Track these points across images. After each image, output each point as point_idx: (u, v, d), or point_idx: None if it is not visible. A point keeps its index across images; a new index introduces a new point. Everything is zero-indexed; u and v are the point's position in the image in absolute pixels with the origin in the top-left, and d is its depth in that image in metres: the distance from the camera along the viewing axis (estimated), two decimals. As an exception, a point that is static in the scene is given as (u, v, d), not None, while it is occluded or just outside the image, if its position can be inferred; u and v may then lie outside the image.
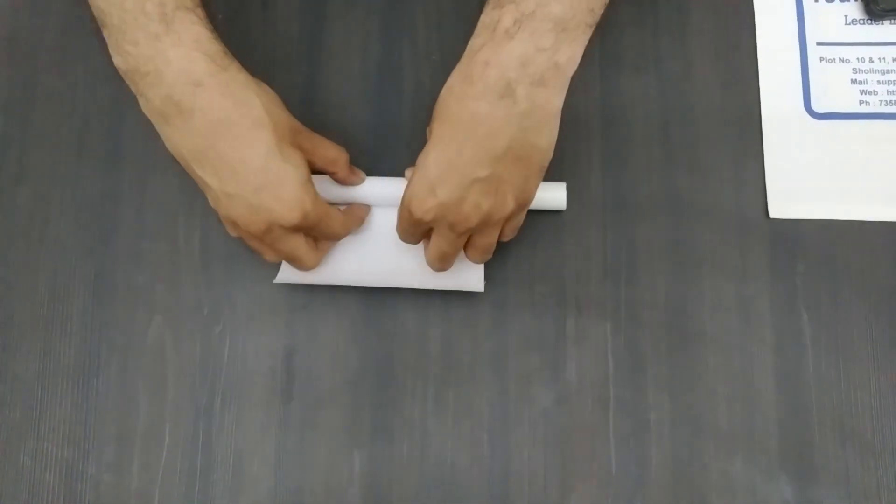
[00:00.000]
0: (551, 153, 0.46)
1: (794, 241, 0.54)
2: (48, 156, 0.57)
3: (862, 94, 0.56)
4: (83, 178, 0.57)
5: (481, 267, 0.53)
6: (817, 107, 0.56)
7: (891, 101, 0.56)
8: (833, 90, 0.57)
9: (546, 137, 0.45)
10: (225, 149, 0.44)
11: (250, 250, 0.53)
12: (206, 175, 0.45)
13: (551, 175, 0.49)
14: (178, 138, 0.44)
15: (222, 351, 0.54)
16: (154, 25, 0.42)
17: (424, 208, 0.45)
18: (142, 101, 0.45)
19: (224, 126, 0.43)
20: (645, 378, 0.53)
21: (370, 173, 0.54)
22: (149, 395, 0.54)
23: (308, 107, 0.51)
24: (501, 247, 0.53)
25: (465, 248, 0.49)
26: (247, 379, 0.54)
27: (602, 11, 0.43)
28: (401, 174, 0.53)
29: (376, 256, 0.53)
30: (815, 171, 0.55)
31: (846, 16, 0.58)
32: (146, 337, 0.55)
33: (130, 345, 0.55)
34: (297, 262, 0.50)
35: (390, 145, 0.56)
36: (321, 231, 0.49)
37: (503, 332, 0.54)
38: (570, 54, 0.42)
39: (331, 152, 0.51)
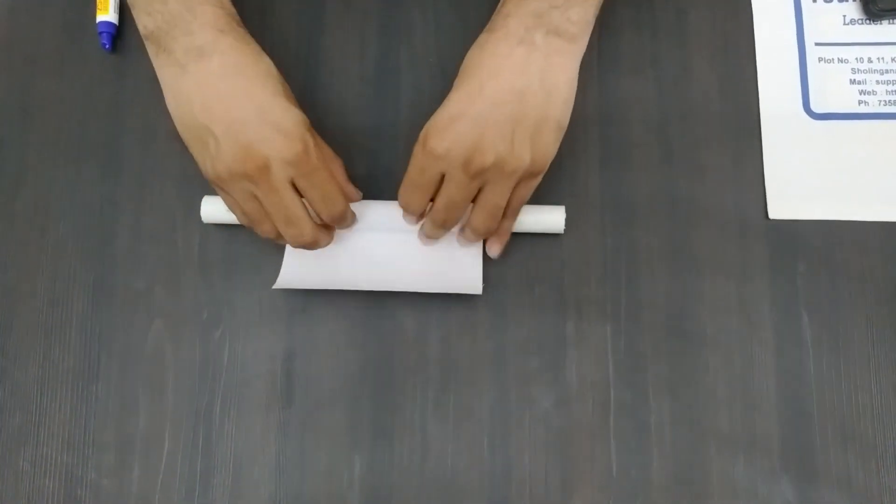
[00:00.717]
0: (566, 116, 0.48)
1: (794, 241, 0.54)
2: (47, 161, 0.57)
3: (861, 94, 0.56)
4: (82, 182, 0.57)
5: (479, 269, 0.53)
6: (816, 107, 0.56)
7: (890, 100, 0.56)
8: (832, 90, 0.56)
9: (562, 90, 0.47)
10: (237, 86, 0.47)
11: (249, 254, 0.53)
12: (213, 119, 0.46)
13: (550, 174, 0.49)
14: (193, 85, 0.47)
15: (222, 355, 0.54)
16: None
17: (440, 139, 0.45)
18: (161, 59, 0.48)
19: (238, 69, 0.47)
20: (645, 380, 0.53)
21: (368, 175, 0.54)
22: (148, 399, 0.54)
23: (306, 111, 0.51)
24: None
25: (472, 211, 0.49)
26: (246, 383, 0.54)
27: None
28: (398, 176, 0.52)
29: (375, 260, 0.53)
30: (815, 171, 0.55)
31: (844, 16, 0.58)
32: (146, 341, 0.55)
33: (130, 349, 0.55)
34: (296, 227, 0.48)
35: (388, 148, 0.56)
36: (321, 182, 0.48)
37: (503, 335, 0.54)
38: (581, 14, 0.47)
39: (327, 150, 0.51)
